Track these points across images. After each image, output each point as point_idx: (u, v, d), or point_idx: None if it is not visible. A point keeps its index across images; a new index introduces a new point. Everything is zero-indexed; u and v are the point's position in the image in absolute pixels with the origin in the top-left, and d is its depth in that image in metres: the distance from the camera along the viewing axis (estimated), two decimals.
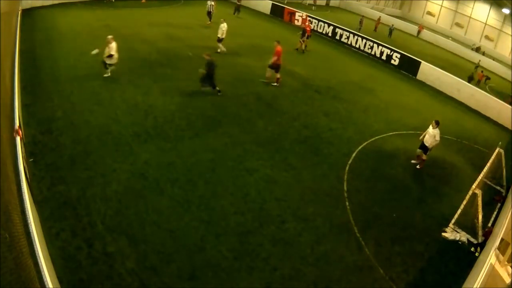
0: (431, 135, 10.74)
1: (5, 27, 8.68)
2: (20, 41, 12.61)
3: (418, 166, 11.30)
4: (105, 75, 12.31)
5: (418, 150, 11.18)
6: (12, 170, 5.44)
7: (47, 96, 10.76)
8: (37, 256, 4.30)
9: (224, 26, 16.79)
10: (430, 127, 10.87)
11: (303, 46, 20.92)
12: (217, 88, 12.73)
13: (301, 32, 21.18)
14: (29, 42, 14.12)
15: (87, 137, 9.22)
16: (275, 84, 14.75)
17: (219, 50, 17.01)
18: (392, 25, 35.05)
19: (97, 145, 9.02)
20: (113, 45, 11.91)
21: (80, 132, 9.40)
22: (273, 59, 14.32)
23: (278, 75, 14.68)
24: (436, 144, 10.89)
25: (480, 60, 32.71)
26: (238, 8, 26.51)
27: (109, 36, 11.78)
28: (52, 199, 7.13)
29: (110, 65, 12.23)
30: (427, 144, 10.89)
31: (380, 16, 36.73)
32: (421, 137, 11.25)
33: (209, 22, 22.17)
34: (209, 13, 22.31)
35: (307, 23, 23.06)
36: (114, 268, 6.08)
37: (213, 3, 22.20)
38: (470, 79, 22.26)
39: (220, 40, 17.04)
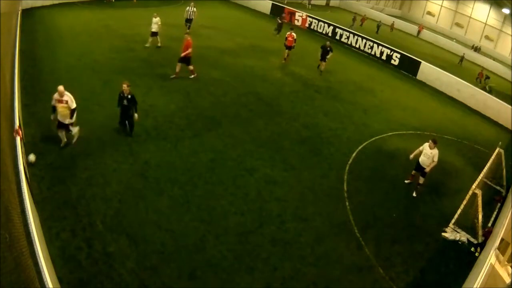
0: (429, 156, 9.37)
1: (5, 27, 8.68)
2: (20, 41, 12.61)
3: (414, 194, 9.89)
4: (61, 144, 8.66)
5: (414, 171, 9.96)
6: (12, 170, 5.44)
7: (47, 96, 10.72)
8: (37, 256, 4.30)
9: (157, 20, 15.90)
10: (426, 146, 9.46)
11: (322, 67, 17.73)
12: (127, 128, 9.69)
13: (322, 51, 17.47)
14: (29, 42, 14.12)
15: (87, 137, 9.21)
16: (193, 76, 13.83)
17: (158, 44, 16.23)
18: (380, 21, 35.72)
19: (97, 145, 9.03)
20: (67, 97, 8.27)
21: (80, 132, 9.39)
22: (187, 52, 13.27)
23: (191, 67, 13.71)
24: (434, 166, 9.50)
25: (464, 53, 32.83)
26: (280, 26, 23.12)
27: (60, 87, 8.20)
28: (52, 199, 7.14)
29: (71, 125, 8.60)
30: (424, 166, 9.53)
31: (365, 14, 37.43)
32: (412, 156, 9.78)
33: (188, 30, 18.98)
34: (189, 20, 19.39)
35: (289, 32, 17.96)
36: (114, 268, 6.08)
37: (194, 9, 19.28)
38: (488, 91, 20.94)
39: (154, 34, 16.10)
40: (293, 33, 17.95)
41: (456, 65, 30.11)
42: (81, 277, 5.81)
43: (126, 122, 9.67)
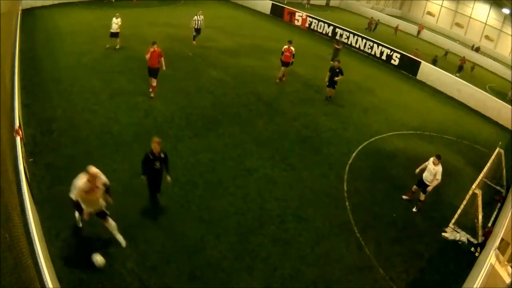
0: (432, 172, 8.89)
1: (5, 27, 8.68)
2: (20, 41, 12.62)
3: (414, 209, 9.36)
4: None
5: (414, 187, 9.43)
6: (12, 170, 5.44)
7: (47, 96, 10.77)
8: (37, 256, 4.30)
9: (119, 21, 15.01)
10: (431, 161, 8.97)
11: (330, 94, 14.75)
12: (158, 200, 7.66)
13: (330, 74, 14.36)
14: (29, 42, 14.13)
15: (87, 137, 9.22)
16: (152, 94, 11.93)
17: (116, 46, 15.31)
18: (378, 19, 36.16)
19: (97, 145, 9.02)
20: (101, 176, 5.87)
21: (80, 132, 9.40)
22: (162, 63, 11.63)
23: (154, 82, 11.84)
24: (437, 184, 8.97)
25: (448, 48, 33.37)
26: (337, 52, 20.00)
27: (93, 169, 5.68)
28: (52, 199, 7.13)
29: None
30: (426, 182, 9.05)
31: (372, 17, 37.31)
32: (418, 170, 9.32)
33: (194, 42, 18.12)
34: (197, 30, 17.99)
35: (286, 46, 14.84)
36: (114, 268, 6.08)
37: (202, 17, 17.84)
38: (434, 62, 24.59)
39: (114, 35, 15.17)
40: (291, 47, 14.85)
41: (441, 58, 30.42)
42: (81, 277, 5.81)
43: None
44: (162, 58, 11.60)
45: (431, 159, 9.02)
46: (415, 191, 9.44)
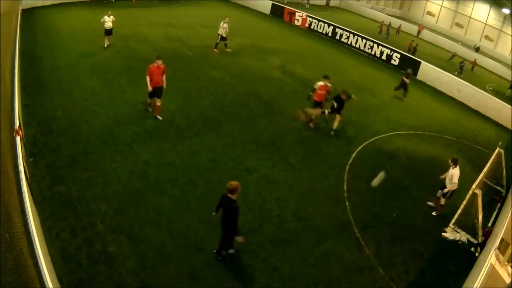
0: (448, 176, 9.01)
1: (5, 27, 8.67)
2: (20, 41, 12.60)
3: (434, 214, 9.40)
4: None
5: (439, 192, 9.37)
6: (12, 170, 5.44)
7: (47, 96, 10.76)
8: (37, 256, 4.30)
9: (111, 18, 14.92)
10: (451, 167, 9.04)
11: (335, 123, 12.00)
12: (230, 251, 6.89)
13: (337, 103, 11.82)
14: (29, 42, 14.12)
15: (87, 137, 9.22)
16: (158, 116, 10.69)
17: (106, 45, 15.26)
18: (389, 22, 36.18)
19: (97, 145, 9.02)
20: None
21: (80, 132, 9.40)
22: (158, 81, 10.37)
23: (148, 102, 10.87)
24: (453, 188, 8.96)
25: (456, 52, 33.74)
26: (405, 85, 17.29)
27: None
28: (52, 199, 7.13)
29: None
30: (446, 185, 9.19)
31: (383, 21, 37.26)
32: (442, 176, 9.39)
33: (227, 49, 17.82)
34: (224, 38, 17.47)
35: (322, 83, 11.58)
36: (114, 268, 6.08)
37: (226, 25, 17.17)
38: (414, 51, 27.31)
39: (110, 32, 15.10)
40: (328, 84, 11.68)
41: (446, 61, 30.52)
42: (81, 277, 5.81)
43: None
44: (164, 76, 10.51)
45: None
46: (440, 195, 9.35)
